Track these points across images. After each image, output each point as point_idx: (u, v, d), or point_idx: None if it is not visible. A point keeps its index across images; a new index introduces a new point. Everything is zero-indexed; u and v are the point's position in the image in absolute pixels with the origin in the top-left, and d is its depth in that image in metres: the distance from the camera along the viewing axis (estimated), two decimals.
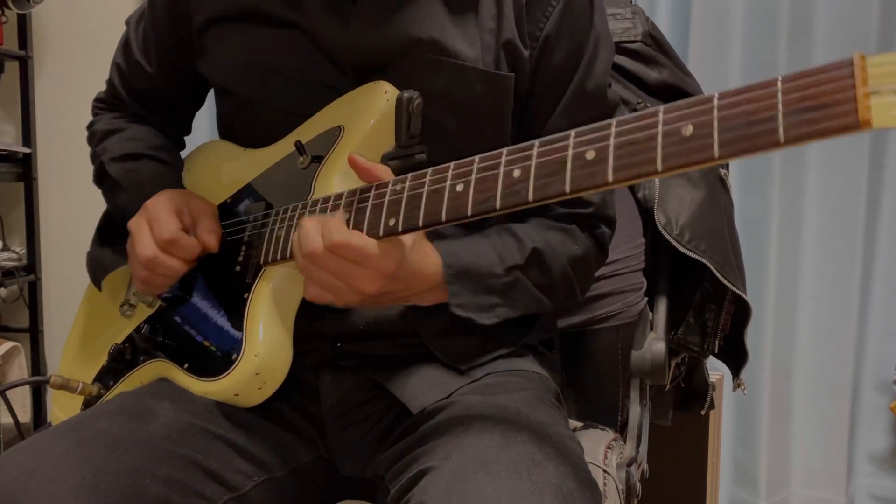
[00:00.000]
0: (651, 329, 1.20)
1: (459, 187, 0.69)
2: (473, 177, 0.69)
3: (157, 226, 0.88)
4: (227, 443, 0.83)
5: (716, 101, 0.56)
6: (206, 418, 0.83)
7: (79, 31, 2.36)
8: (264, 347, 0.82)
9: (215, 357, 0.86)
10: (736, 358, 1.31)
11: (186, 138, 1.15)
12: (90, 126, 1.10)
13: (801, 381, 2.06)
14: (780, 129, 0.52)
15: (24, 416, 2.21)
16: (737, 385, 1.34)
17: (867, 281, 2.01)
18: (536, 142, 0.66)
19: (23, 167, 2.31)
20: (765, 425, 2.06)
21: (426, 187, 0.72)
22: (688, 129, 0.57)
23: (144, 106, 1.08)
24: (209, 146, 1.06)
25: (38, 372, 2.36)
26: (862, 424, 2.06)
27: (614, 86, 1.24)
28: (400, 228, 0.74)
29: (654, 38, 1.28)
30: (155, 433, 0.78)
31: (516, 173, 0.66)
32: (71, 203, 2.34)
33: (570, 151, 0.63)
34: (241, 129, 0.99)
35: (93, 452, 0.74)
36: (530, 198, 0.65)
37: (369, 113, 0.85)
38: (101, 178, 1.04)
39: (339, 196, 0.80)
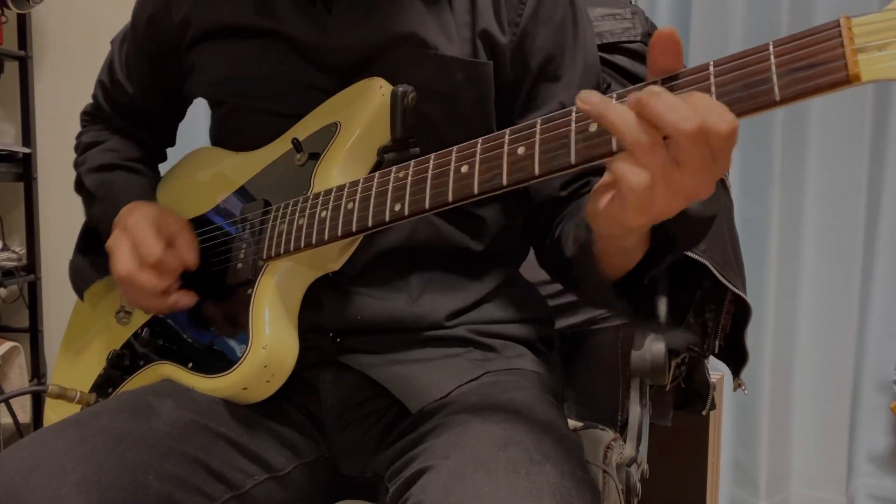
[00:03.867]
0: None
1: (465, 168, 0.70)
2: (478, 157, 0.70)
3: (143, 247, 0.89)
4: (229, 441, 0.83)
5: (711, 69, 0.58)
6: (207, 416, 0.83)
7: (79, 31, 2.36)
8: (272, 340, 0.83)
9: (220, 354, 0.86)
10: (736, 358, 1.31)
11: (182, 143, 1.17)
12: (77, 137, 1.13)
13: (801, 381, 2.06)
14: (776, 88, 0.55)
15: (25, 416, 2.21)
16: (737, 385, 1.34)
17: (867, 281, 2.01)
18: (538, 119, 0.67)
19: (23, 167, 2.31)
20: (765, 425, 2.06)
21: (430, 171, 0.73)
22: None
23: (127, 120, 1.11)
24: (198, 153, 1.07)
25: (38, 372, 2.36)
26: (862, 424, 2.06)
27: (613, 86, 1.24)
28: (406, 212, 0.74)
29: None
30: (157, 430, 0.79)
31: (521, 150, 0.67)
32: (71, 203, 2.32)
33: (573, 125, 0.64)
34: (233, 134, 1.00)
35: (95, 448, 0.74)
36: (536, 171, 0.66)
37: (365, 108, 0.85)
38: (80, 187, 1.08)
39: (340, 188, 0.81)
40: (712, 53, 1.95)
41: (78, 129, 1.16)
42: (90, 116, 1.15)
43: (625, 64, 1.26)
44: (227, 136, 1.01)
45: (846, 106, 1.95)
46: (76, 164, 1.10)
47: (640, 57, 1.27)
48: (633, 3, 1.32)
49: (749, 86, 0.56)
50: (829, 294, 2.02)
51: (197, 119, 1.18)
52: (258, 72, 0.92)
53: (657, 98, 0.57)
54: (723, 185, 1.28)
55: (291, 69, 0.91)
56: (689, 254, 1.16)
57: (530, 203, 0.94)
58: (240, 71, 0.93)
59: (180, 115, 1.13)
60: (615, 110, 0.59)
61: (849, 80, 0.53)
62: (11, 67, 2.32)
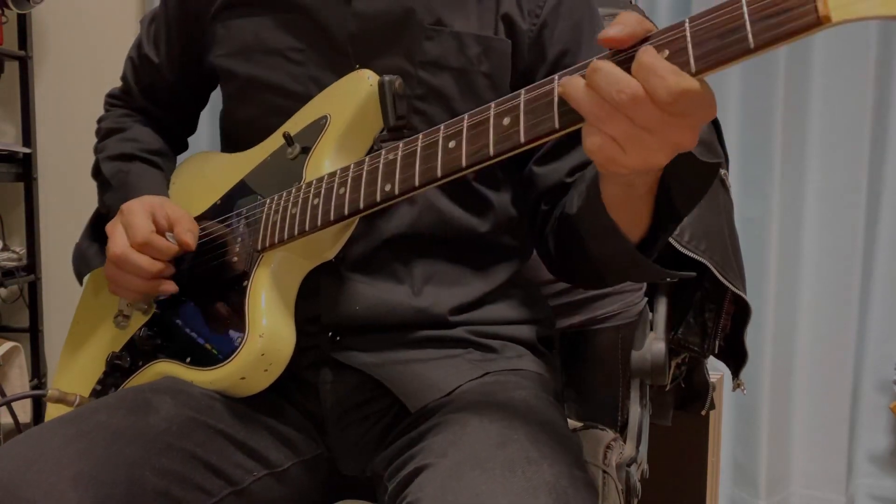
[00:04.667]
0: (651, 329, 1.20)
1: (452, 144, 0.72)
2: (465, 131, 0.71)
3: (130, 230, 0.90)
4: (228, 437, 0.83)
5: (687, 24, 0.60)
6: (206, 413, 0.83)
7: (79, 31, 2.36)
8: (268, 329, 0.83)
9: (218, 346, 0.86)
10: (736, 358, 1.31)
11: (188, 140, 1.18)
12: (99, 121, 1.14)
13: (801, 381, 2.06)
14: (750, 36, 0.56)
15: (25, 416, 2.21)
16: (737, 385, 1.34)
17: (867, 281, 2.00)
18: (522, 90, 0.68)
19: (23, 167, 2.31)
20: (765, 425, 2.06)
21: (419, 149, 0.74)
22: (664, 54, 0.60)
23: (151, 101, 1.11)
24: (195, 157, 1.09)
25: (38, 372, 2.36)
26: (862, 424, 2.06)
27: None
28: (397, 191, 0.75)
29: None
30: (154, 426, 0.79)
31: (506, 121, 0.68)
32: (71, 203, 2.34)
33: (556, 92, 0.65)
34: (238, 113, 1.00)
35: (92, 444, 0.74)
36: (522, 139, 0.67)
37: (353, 100, 0.87)
38: (97, 173, 1.08)
39: (332, 174, 0.82)
40: None
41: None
42: (116, 99, 1.15)
43: None
44: (233, 114, 1.02)
45: (846, 106, 1.96)
46: (96, 150, 1.11)
47: None
48: (633, 3, 1.32)
49: (722, 35, 0.57)
50: (829, 294, 2.02)
51: (199, 123, 1.18)
52: (276, 44, 0.94)
53: (596, 74, 0.61)
54: (723, 184, 1.28)
55: (310, 45, 0.93)
56: (690, 253, 1.16)
57: (536, 190, 0.95)
58: (259, 42, 0.95)
59: (203, 99, 1.14)
60: (570, 85, 0.63)
61: (819, 21, 0.54)
62: (11, 67, 2.32)
